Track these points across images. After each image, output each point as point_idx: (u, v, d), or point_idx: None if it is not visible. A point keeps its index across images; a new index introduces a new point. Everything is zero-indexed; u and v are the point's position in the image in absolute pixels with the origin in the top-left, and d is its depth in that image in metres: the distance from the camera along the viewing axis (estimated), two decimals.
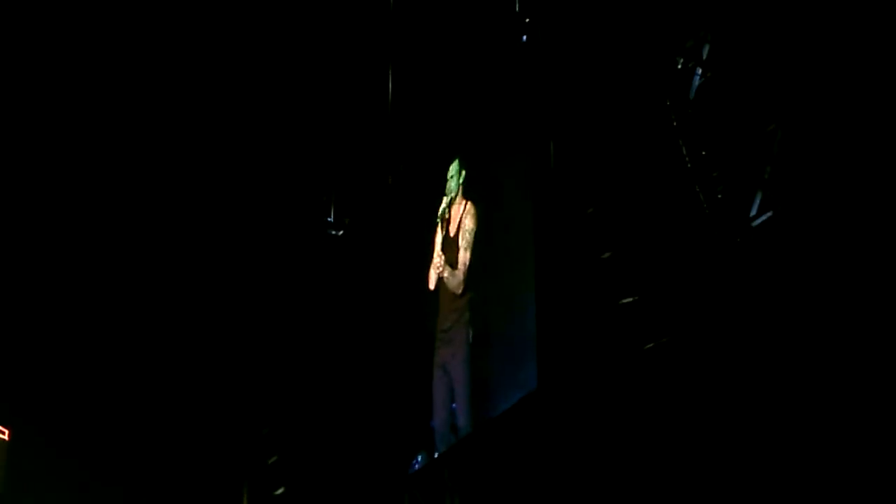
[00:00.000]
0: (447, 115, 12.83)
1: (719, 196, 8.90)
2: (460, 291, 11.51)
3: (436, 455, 11.67)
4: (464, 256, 11.50)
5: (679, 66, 9.46)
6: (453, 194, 11.78)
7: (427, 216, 12.11)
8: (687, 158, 9.15)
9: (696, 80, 9.36)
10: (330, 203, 14.84)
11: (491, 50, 12.11)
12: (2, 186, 15.89)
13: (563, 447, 9.82)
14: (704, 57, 9.35)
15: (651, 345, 9.18)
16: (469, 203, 11.71)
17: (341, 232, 14.62)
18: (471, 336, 11.41)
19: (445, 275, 11.49)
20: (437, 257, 11.60)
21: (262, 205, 16.04)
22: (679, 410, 8.83)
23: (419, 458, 12.13)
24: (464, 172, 11.81)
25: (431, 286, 11.90)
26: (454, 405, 11.48)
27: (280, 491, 15.15)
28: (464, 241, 11.51)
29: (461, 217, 11.63)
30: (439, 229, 11.75)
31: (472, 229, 11.54)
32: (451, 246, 11.60)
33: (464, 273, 11.47)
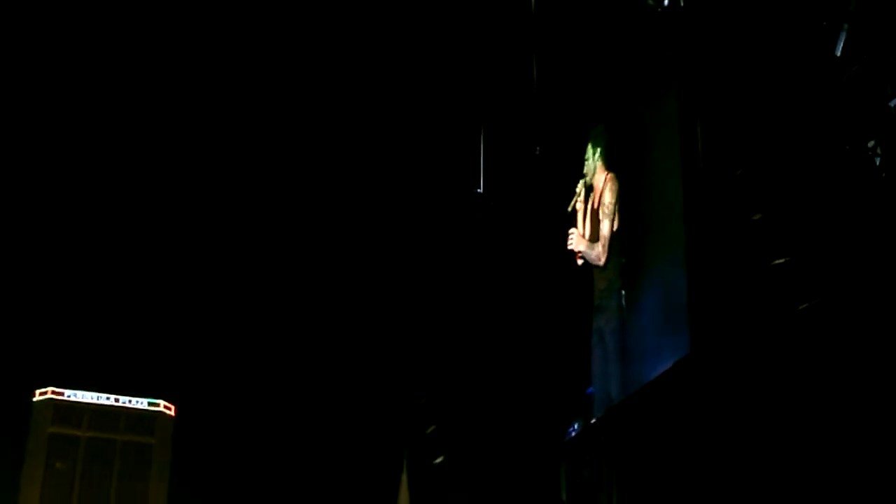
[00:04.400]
0: (592, 83, 12.84)
1: (872, 154, 8.80)
2: (602, 263, 11.53)
3: (592, 421, 11.73)
4: (604, 228, 11.51)
5: (824, 25, 9.36)
6: (592, 173, 11.80)
7: (574, 186, 12.13)
8: (837, 118, 9.05)
9: (843, 37, 9.24)
10: (479, 175, 14.97)
11: (635, 18, 12.09)
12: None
13: (717, 411, 9.81)
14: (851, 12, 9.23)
15: (805, 305, 9.11)
16: (610, 175, 11.69)
17: (492, 203, 14.73)
18: (623, 302, 11.43)
19: (583, 248, 11.56)
20: (577, 232, 11.70)
21: (416, 179, 16.27)
22: (835, 372, 8.76)
23: (575, 426, 12.19)
24: (599, 150, 11.81)
25: (580, 261, 11.94)
26: (610, 372, 11.53)
27: (439, 460, 15.38)
28: (602, 214, 11.53)
29: (602, 190, 11.65)
30: (580, 206, 11.80)
31: (612, 201, 11.51)
32: (594, 219, 11.65)
33: (603, 245, 11.48)
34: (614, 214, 11.47)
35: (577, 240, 11.62)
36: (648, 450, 10.58)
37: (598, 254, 11.49)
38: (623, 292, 11.45)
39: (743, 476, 9.41)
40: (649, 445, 10.57)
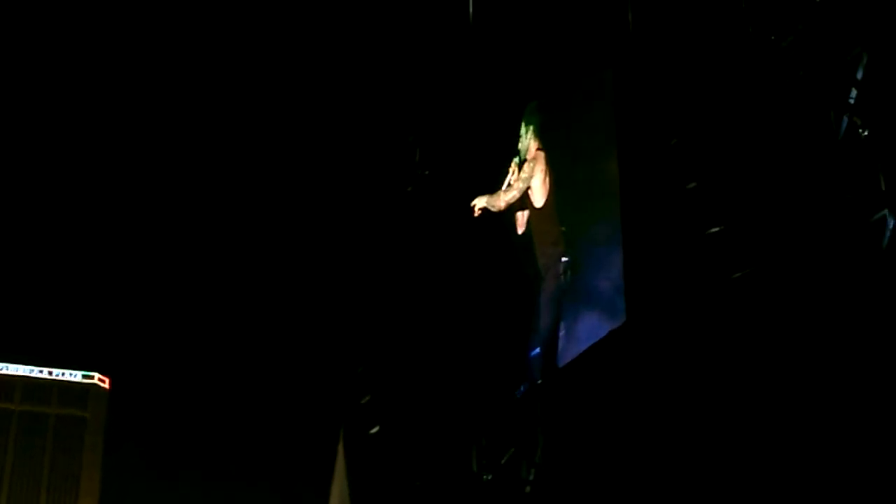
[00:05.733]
0: (526, 59, 12.88)
1: (804, 120, 8.86)
2: (499, 208, 11.91)
3: (539, 382, 11.83)
4: (508, 194, 11.86)
5: None
6: (525, 150, 12.04)
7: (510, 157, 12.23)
8: (771, 81, 9.10)
9: None
10: (415, 146, 14.97)
11: None
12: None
13: (651, 380, 9.88)
14: None
15: (739, 274, 9.18)
16: (538, 154, 11.89)
17: (427, 172, 14.71)
18: (561, 270, 11.56)
19: (483, 203, 12.00)
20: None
21: (353, 152, 16.24)
22: (768, 339, 8.83)
23: (522, 388, 12.26)
24: (532, 128, 12.02)
25: (520, 230, 12.13)
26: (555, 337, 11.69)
27: (375, 430, 15.35)
28: (515, 181, 11.90)
29: (527, 166, 11.93)
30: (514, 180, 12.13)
31: (527, 176, 11.77)
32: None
33: (501, 199, 11.89)
34: (522, 188, 11.75)
35: (477, 200, 12.07)
36: (581, 416, 10.66)
37: (495, 202, 11.91)
38: (564, 259, 11.57)
39: (673, 439, 9.50)
40: (586, 412, 10.64)
